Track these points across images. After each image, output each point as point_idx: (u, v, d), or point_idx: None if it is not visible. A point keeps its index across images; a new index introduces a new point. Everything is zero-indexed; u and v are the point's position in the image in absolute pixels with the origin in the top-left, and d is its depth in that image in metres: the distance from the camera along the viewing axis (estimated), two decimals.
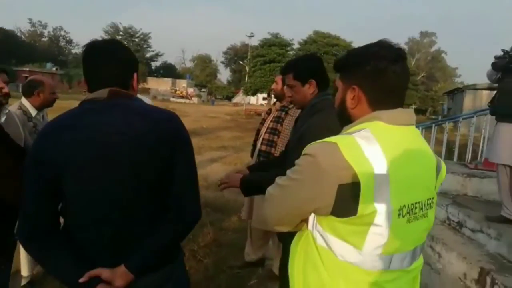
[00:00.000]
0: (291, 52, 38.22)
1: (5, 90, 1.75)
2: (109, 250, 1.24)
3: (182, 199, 1.30)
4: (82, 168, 1.19)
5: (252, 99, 55.67)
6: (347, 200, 0.98)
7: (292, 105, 2.99)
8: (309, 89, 1.94)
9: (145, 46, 47.81)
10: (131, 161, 1.20)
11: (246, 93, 40.42)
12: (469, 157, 5.40)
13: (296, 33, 70.86)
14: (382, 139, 1.01)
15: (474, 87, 17.03)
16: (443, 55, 58.69)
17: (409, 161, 1.04)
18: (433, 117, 35.35)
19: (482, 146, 5.40)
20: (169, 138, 1.25)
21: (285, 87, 2.06)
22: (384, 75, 1.06)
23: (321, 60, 2.03)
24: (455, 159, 5.62)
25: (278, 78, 3.12)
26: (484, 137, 5.38)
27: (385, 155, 0.99)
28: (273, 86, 3.19)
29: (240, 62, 48.95)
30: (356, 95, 1.10)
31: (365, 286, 1.03)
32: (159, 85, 59.54)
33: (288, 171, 1.11)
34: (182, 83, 62.39)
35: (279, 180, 1.13)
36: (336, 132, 1.16)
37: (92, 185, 1.20)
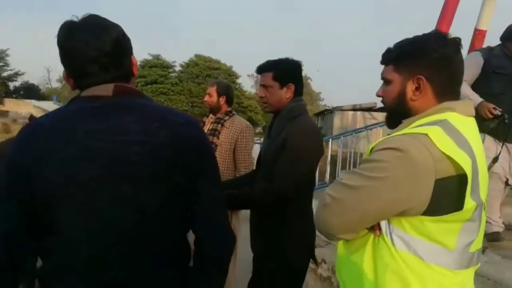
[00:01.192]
0: (173, 74, 37.84)
1: None
2: None
3: (209, 226, 1.04)
4: (80, 190, 0.88)
5: None
6: (449, 195, 0.90)
7: (228, 117, 2.91)
8: (286, 93, 1.84)
9: (1, 63, 41.13)
10: (147, 180, 0.92)
11: None
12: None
13: (177, 55, 70.43)
14: (464, 130, 0.97)
15: (341, 109, 19.51)
16: (309, 81, 65.46)
17: (482, 153, 1.02)
18: None
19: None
20: (191, 148, 0.99)
21: (259, 87, 1.91)
22: (452, 63, 1.03)
23: (301, 67, 1.96)
24: (337, 172, 5.97)
25: (212, 90, 2.96)
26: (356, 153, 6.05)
27: (472, 146, 0.95)
28: (206, 98, 3.00)
29: None
30: (422, 85, 1.03)
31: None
32: (19, 107, 52.23)
33: (360, 170, 0.97)
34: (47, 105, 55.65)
35: (346, 180, 0.97)
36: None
37: (93, 212, 0.89)
